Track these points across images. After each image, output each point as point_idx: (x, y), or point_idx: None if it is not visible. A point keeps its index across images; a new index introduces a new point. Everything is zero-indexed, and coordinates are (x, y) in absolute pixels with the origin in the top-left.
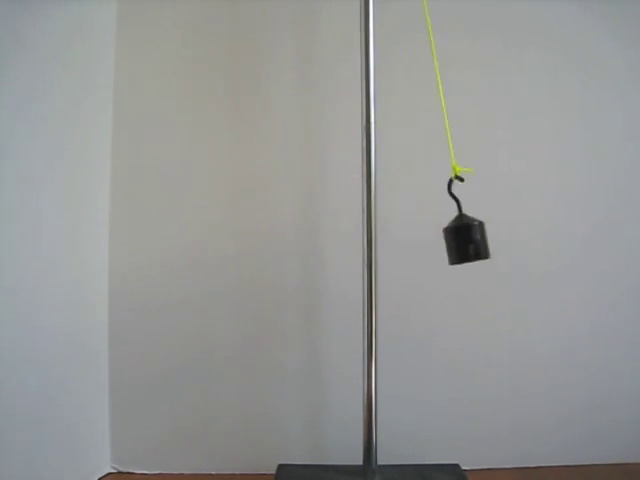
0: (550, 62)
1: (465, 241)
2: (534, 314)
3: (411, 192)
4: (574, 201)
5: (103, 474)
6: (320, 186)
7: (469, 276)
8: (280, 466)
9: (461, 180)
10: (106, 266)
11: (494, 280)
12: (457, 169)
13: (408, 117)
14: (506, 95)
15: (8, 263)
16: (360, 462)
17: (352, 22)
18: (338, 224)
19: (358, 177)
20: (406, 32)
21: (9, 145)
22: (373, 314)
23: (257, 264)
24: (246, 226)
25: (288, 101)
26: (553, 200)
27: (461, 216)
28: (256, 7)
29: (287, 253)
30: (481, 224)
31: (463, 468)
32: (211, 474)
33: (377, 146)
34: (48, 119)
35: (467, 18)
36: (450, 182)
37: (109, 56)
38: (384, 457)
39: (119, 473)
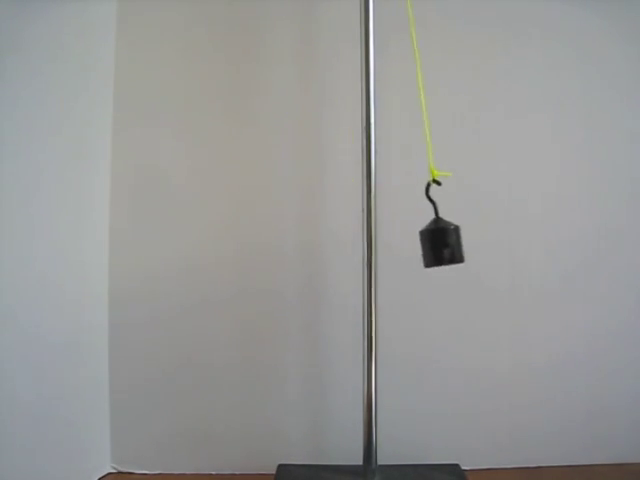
0: (551, 61)
1: (440, 245)
2: (535, 318)
3: (411, 192)
4: (575, 206)
5: (103, 474)
6: (320, 187)
7: (470, 278)
8: (280, 466)
9: (438, 184)
10: (106, 269)
11: (494, 283)
12: (435, 173)
13: (408, 117)
14: (506, 94)
15: (7, 266)
16: (360, 462)
17: (352, 22)
18: (338, 225)
19: None
20: (406, 32)
21: (7, 147)
22: (373, 316)
23: (257, 265)
24: (246, 227)
25: (288, 102)
26: (553, 205)
27: (437, 220)
28: (256, 6)
29: (287, 255)
30: (456, 228)
31: (463, 468)
32: (211, 474)
33: (377, 146)
34: (47, 120)
35: (466, 16)
36: (428, 186)
37: (109, 56)
38: (384, 457)
39: (119, 473)
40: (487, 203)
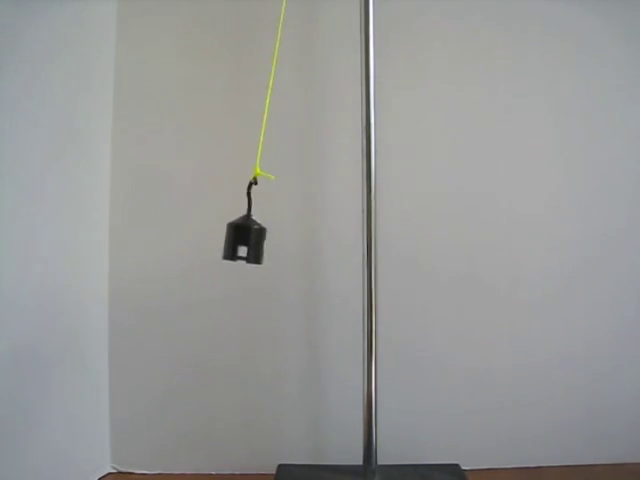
0: (551, 61)
1: (239, 241)
2: (535, 318)
3: (411, 192)
4: (575, 206)
5: (103, 474)
6: (320, 187)
7: (470, 278)
8: (280, 466)
9: (255, 184)
10: (106, 269)
11: (494, 283)
12: (257, 172)
13: (408, 117)
14: (506, 96)
15: (7, 268)
16: (360, 462)
17: (352, 22)
18: (338, 225)
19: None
20: (406, 32)
21: (7, 146)
22: (373, 315)
23: (257, 265)
24: None
25: (288, 102)
26: (554, 205)
27: (247, 217)
28: (256, 6)
29: (287, 255)
30: (261, 230)
31: (463, 468)
32: (211, 474)
33: (377, 146)
34: (47, 120)
35: (465, 17)
36: (250, 184)
37: (109, 56)
38: (384, 457)
39: (119, 473)
40: (487, 203)
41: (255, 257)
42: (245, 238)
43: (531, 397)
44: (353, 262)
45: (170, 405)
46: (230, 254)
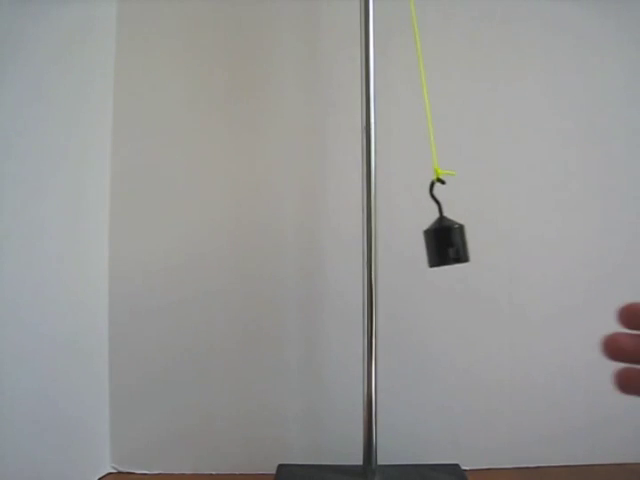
0: (553, 59)
1: (445, 244)
2: (535, 315)
3: (411, 192)
4: (576, 221)
5: (103, 474)
6: (320, 186)
7: (471, 274)
8: (280, 466)
9: (442, 183)
10: (106, 266)
11: (494, 282)
12: (439, 171)
13: (408, 117)
14: (507, 95)
15: (8, 265)
16: (360, 462)
17: (353, 23)
18: (338, 224)
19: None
20: (407, 31)
21: (9, 147)
22: (373, 314)
23: (257, 264)
24: (246, 226)
25: (288, 102)
26: (554, 218)
27: (442, 219)
28: (257, 8)
29: (287, 253)
30: (461, 227)
31: (463, 468)
32: (211, 474)
33: (377, 146)
34: (48, 121)
35: (467, 16)
36: (432, 184)
37: (109, 58)
38: (384, 457)
39: (119, 473)
40: (488, 202)
41: (465, 255)
42: (450, 239)
43: (531, 396)
44: (353, 262)
45: (170, 405)
46: (440, 259)
